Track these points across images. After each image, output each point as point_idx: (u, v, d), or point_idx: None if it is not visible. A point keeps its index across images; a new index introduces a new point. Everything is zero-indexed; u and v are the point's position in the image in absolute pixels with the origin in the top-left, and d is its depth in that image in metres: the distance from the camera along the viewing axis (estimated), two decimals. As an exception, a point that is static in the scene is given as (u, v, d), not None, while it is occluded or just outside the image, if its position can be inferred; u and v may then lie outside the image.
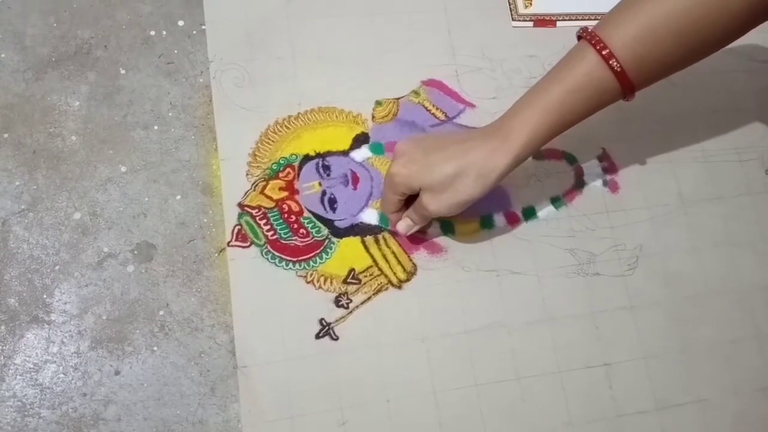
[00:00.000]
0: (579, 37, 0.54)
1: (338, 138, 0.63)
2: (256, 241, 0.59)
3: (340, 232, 0.60)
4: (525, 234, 0.63)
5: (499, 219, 0.63)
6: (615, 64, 0.51)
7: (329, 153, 0.63)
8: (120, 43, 0.63)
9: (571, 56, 0.54)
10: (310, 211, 0.61)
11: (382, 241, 0.61)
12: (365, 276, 0.59)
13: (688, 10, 0.50)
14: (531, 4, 0.71)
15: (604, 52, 0.51)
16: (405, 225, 0.59)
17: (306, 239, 0.60)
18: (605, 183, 0.66)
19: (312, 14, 0.67)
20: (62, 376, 0.54)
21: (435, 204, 0.54)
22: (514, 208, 0.64)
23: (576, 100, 0.53)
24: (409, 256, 0.61)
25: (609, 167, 0.67)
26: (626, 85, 0.52)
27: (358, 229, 0.61)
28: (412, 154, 0.55)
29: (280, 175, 0.61)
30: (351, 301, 0.58)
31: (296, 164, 0.62)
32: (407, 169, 0.54)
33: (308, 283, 0.58)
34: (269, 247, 0.59)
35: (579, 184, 0.66)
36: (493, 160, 0.53)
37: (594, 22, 0.60)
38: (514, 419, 0.58)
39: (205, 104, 0.63)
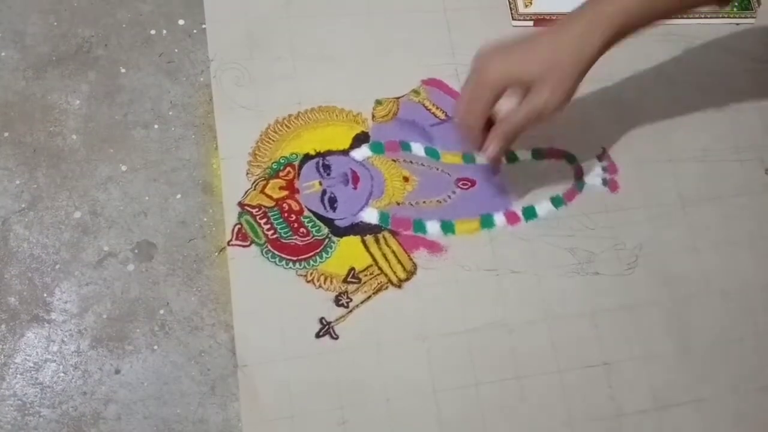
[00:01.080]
0: None
1: (338, 137, 0.63)
2: (256, 240, 0.59)
3: (340, 231, 0.60)
4: (525, 233, 0.63)
5: (499, 218, 0.63)
6: None
7: (329, 152, 0.63)
8: (120, 42, 0.63)
9: None
10: (310, 210, 0.61)
11: (382, 241, 0.61)
12: (365, 275, 0.59)
13: None
14: (531, 3, 0.71)
15: None
16: (494, 148, 0.53)
17: (306, 238, 0.60)
18: (605, 182, 0.66)
19: (312, 13, 0.67)
20: (62, 374, 0.54)
21: (551, 96, 0.50)
22: (514, 207, 0.64)
23: None
24: (409, 256, 0.61)
25: (609, 167, 0.67)
26: None
27: (359, 228, 0.61)
28: (502, 51, 0.51)
29: (281, 174, 0.61)
30: (351, 300, 0.59)
31: (296, 163, 0.62)
32: (502, 63, 0.51)
33: (308, 282, 0.58)
34: (269, 246, 0.59)
35: (579, 183, 0.66)
36: (587, 40, 0.50)
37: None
38: (514, 418, 0.58)
39: (205, 103, 0.63)
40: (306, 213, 0.60)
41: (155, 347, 0.56)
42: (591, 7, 0.52)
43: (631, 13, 0.51)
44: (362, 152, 0.63)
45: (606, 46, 0.51)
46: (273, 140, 0.62)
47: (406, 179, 0.63)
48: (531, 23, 0.70)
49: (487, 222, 0.63)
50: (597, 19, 0.51)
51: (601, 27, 0.51)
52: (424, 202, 0.62)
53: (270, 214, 0.60)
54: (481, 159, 0.64)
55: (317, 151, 0.63)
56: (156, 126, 0.61)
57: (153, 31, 0.64)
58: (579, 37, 0.51)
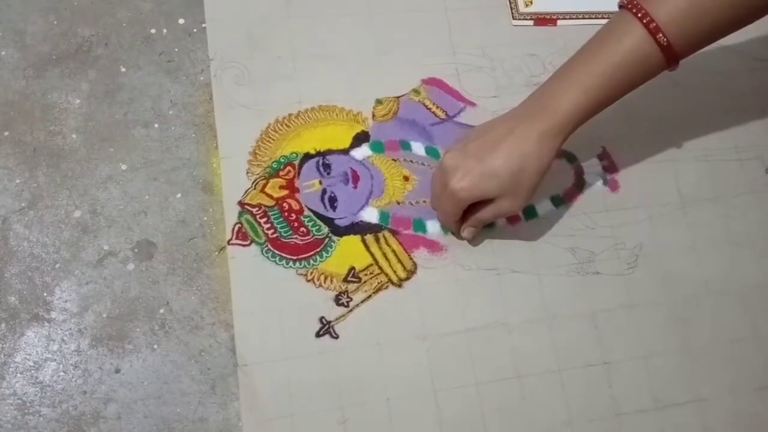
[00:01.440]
0: (620, 6, 0.53)
1: (338, 136, 0.63)
2: (256, 239, 0.59)
3: (340, 231, 0.60)
4: (525, 233, 0.63)
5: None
6: (662, 38, 0.50)
7: (329, 151, 0.63)
8: (120, 41, 0.63)
9: (614, 28, 0.53)
10: (310, 210, 0.61)
11: (382, 240, 0.61)
12: (365, 274, 0.59)
13: None
14: (531, 2, 0.71)
15: (651, 26, 0.50)
16: (470, 232, 0.59)
17: (306, 238, 0.60)
18: (605, 182, 0.66)
19: (312, 13, 0.67)
20: (62, 374, 0.54)
21: (511, 204, 0.55)
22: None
23: (621, 75, 0.52)
24: (409, 255, 0.61)
25: (609, 166, 0.67)
26: (671, 57, 0.52)
27: (359, 228, 0.61)
28: (466, 166, 0.54)
29: (281, 173, 0.61)
30: (351, 299, 0.59)
31: (296, 162, 0.62)
32: (467, 182, 0.54)
33: (308, 281, 0.58)
34: (269, 246, 0.59)
35: (579, 183, 0.66)
36: (545, 144, 0.53)
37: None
38: (514, 418, 0.58)
39: (205, 102, 0.63)
40: (306, 212, 0.60)
41: (155, 346, 0.56)
42: (541, 106, 0.54)
43: (579, 112, 0.53)
44: (362, 151, 0.63)
45: (562, 144, 0.54)
46: (273, 139, 0.62)
47: (406, 178, 0.63)
48: (531, 22, 0.70)
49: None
50: (553, 123, 0.53)
51: (554, 134, 0.53)
52: (424, 201, 0.62)
53: (270, 213, 0.60)
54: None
55: (317, 150, 0.62)
56: (156, 125, 0.61)
57: (153, 30, 0.64)
58: (537, 146, 0.53)
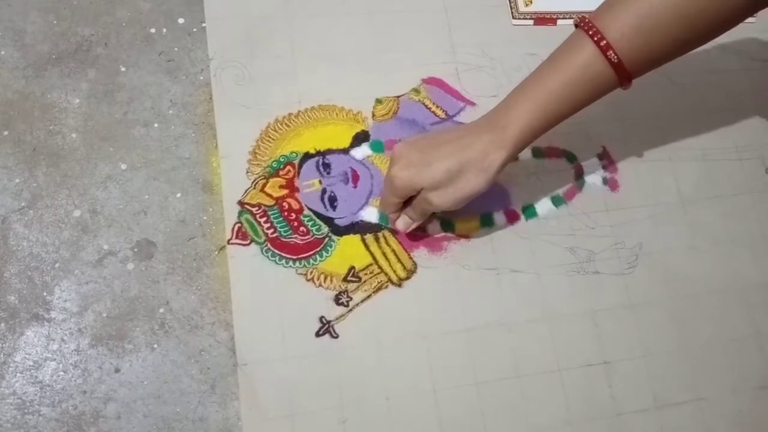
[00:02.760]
0: (576, 25, 0.53)
1: (338, 136, 0.63)
2: (256, 239, 0.59)
3: (340, 230, 0.60)
4: (525, 232, 0.63)
5: (499, 217, 0.63)
6: (612, 55, 0.51)
7: (329, 151, 0.63)
8: (120, 40, 0.63)
9: (567, 46, 0.53)
10: (310, 209, 0.61)
11: (382, 239, 0.61)
12: (365, 274, 0.59)
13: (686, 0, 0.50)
14: (531, 2, 0.71)
15: (601, 44, 0.51)
16: (404, 222, 0.59)
17: (306, 237, 0.60)
18: (605, 181, 0.66)
19: (312, 12, 0.67)
20: (62, 373, 0.54)
21: (438, 199, 0.54)
22: (514, 206, 0.64)
23: (572, 91, 0.53)
24: (409, 255, 0.61)
25: (609, 165, 0.67)
26: (623, 75, 0.52)
27: (359, 227, 0.61)
28: (409, 157, 0.55)
29: (281, 173, 0.61)
30: (351, 299, 0.59)
31: (296, 162, 0.62)
32: (407, 172, 0.54)
33: (308, 281, 0.58)
34: (269, 245, 0.59)
35: (579, 182, 0.66)
36: (491, 154, 0.53)
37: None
38: (514, 417, 0.58)
39: (205, 102, 0.62)
40: (306, 212, 0.60)
41: (155, 346, 0.55)
42: (494, 119, 0.54)
43: (531, 127, 0.53)
44: (362, 151, 0.63)
45: (508, 161, 0.54)
46: (273, 139, 0.62)
47: (406, 178, 0.63)
48: (531, 22, 0.70)
49: (487, 221, 0.63)
50: (501, 136, 0.53)
51: (504, 145, 0.53)
52: (424, 200, 0.62)
53: (270, 212, 0.60)
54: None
55: (317, 149, 0.62)
56: (156, 124, 0.61)
57: (153, 30, 0.64)
58: (482, 154, 0.53)
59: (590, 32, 0.51)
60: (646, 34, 0.51)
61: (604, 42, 0.51)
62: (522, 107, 0.53)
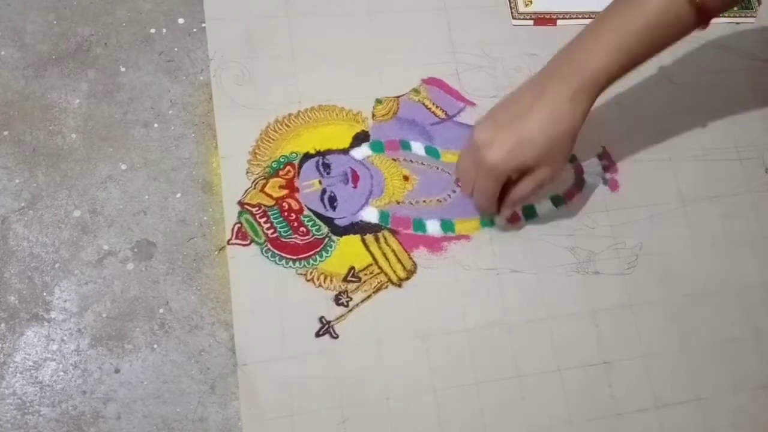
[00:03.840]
0: None
1: (338, 136, 0.63)
2: (256, 239, 0.59)
3: (340, 231, 0.60)
4: (525, 232, 0.63)
5: (499, 217, 0.63)
6: None
7: (329, 151, 0.63)
8: (120, 40, 0.63)
9: None
10: (310, 210, 0.60)
11: (382, 240, 0.61)
12: (365, 274, 0.59)
13: None
14: (531, 2, 0.71)
15: None
16: (508, 212, 0.58)
17: (306, 237, 0.60)
18: (605, 181, 0.66)
19: (312, 12, 0.67)
20: (62, 373, 0.54)
21: (554, 170, 0.53)
22: (514, 206, 0.64)
23: (653, 34, 0.51)
24: (409, 255, 0.60)
25: (609, 166, 0.67)
26: (704, 16, 0.51)
27: (358, 228, 0.61)
28: (499, 137, 0.52)
29: (281, 173, 0.61)
30: (351, 299, 0.58)
31: (296, 162, 0.62)
32: (506, 153, 0.52)
33: (308, 281, 0.58)
34: (269, 245, 0.59)
35: (579, 182, 0.66)
36: (578, 105, 0.52)
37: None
38: (514, 417, 0.58)
39: (205, 102, 0.62)
40: (306, 212, 0.60)
41: (155, 346, 0.55)
42: (570, 66, 0.52)
43: (611, 71, 0.52)
44: (362, 151, 0.63)
45: (590, 108, 0.53)
46: (273, 139, 0.62)
47: (406, 178, 0.63)
48: (531, 22, 0.70)
49: (487, 221, 0.63)
50: (583, 83, 0.52)
51: (587, 93, 0.52)
52: (424, 201, 0.62)
53: (270, 213, 0.60)
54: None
55: (317, 150, 0.62)
56: (156, 125, 0.61)
57: (153, 30, 0.64)
58: (570, 106, 0.52)
59: None
60: None
61: None
62: (601, 51, 0.51)
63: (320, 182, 0.61)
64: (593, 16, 0.70)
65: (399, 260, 0.60)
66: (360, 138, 0.64)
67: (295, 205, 0.60)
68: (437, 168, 0.64)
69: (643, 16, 0.51)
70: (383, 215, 0.61)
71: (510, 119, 0.53)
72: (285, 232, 0.59)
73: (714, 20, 0.73)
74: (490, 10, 0.70)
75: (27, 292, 0.56)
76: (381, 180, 0.62)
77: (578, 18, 0.71)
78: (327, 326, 0.58)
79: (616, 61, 0.51)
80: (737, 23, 0.74)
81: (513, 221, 0.63)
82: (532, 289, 0.61)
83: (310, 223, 0.60)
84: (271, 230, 0.59)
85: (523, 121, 0.52)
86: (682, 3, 0.50)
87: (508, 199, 0.57)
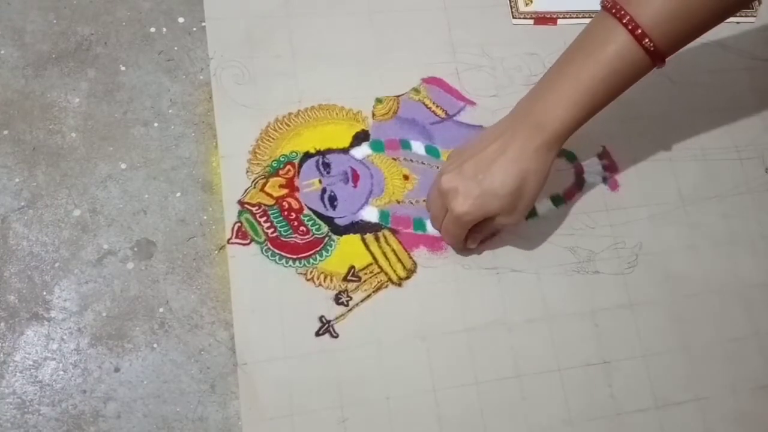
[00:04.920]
0: (603, 8, 0.51)
1: (338, 135, 0.63)
2: (256, 238, 0.59)
3: (340, 230, 0.60)
4: (525, 232, 0.63)
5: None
6: (648, 43, 0.49)
7: (329, 150, 0.63)
8: (120, 39, 0.63)
9: (597, 34, 0.52)
10: (310, 209, 0.60)
11: (382, 239, 0.61)
12: (365, 273, 0.59)
13: None
14: (531, 2, 0.71)
15: (636, 33, 0.49)
16: (473, 241, 0.60)
17: (306, 237, 0.60)
18: (605, 181, 0.66)
19: (312, 12, 0.67)
20: (62, 373, 0.54)
21: (512, 218, 0.55)
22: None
23: (608, 82, 0.51)
24: (409, 254, 0.60)
25: (609, 165, 0.67)
26: (658, 59, 0.51)
27: (358, 227, 0.61)
28: (465, 188, 0.54)
29: (281, 172, 0.61)
30: (351, 298, 0.58)
31: (296, 162, 0.62)
32: (471, 205, 0.54)
33: (308, 280, 0.58)
34: (269, 245, 0.59)
35: (579, 182, 0.66)
36: (542, 159, 0.53)
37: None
38: (514, 417, 0.58)
39: (205, 101, 0.62)
40: (306, 211, 0.60)
41: (155, 345, 0.55)
42: (532, 121, 0.53)
43: (571, 124, 0.53)
44: (362, 150, 0.63)
45: (555, 157, 0.54)
46: (273, 138, 0.62)
47: (406, 177, 0.63)
48: (531, 21, 0.70)
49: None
50: (546, 138, 0.53)
51: (549, 147, 0.53)
52: (424, 200, 0.62)
53: (270, 212, 0.60)
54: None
55: (317, 149, 0.62)
56: (156, 124, 0.61)
57: (153, 29, 0.64)
58: (534, 162, 0.53)
59: (623, 20, 0.49)
60: (678, 17, 0.49)
61: (639, 31, 0.49)
62: (560, 106, 0.52)
63: (320, 181, 0.61)
64: (593, 16, 0.71)
65: (399, 259, 0.60)
66: (360, 137, 0.64)
67: (295, 205, 0.60)
68: (437, 167, 0.64)
69: (597, 67, 0.51)
70: (383, 214, 0.61)
71: (475, 171, 0.54)
72: (285, 231, 0.59)
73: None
74: (490, 10, 0.70)
75: (27, 291, 0.56)
76: (381, 179, 0.62)
77: (578, 17, 0.71)
78: (327, 326, 0.58)
79: (574, 115, 0.52)
80: (737, 23, 0.74)
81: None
82: (532, 288, 0.61)
83: (310, 223, 0.60)
84: (271, 229, 0.59)
85: (487, 174, 0.53)
86: (635, 49, 0.50)
87: (471, 237, 0.59)
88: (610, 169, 0.67)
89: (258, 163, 0.61)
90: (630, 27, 0.49)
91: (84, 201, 0.58)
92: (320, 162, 0.62)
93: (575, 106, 0.52)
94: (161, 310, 0.56)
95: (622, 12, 0.50)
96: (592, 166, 0.66)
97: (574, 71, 0.52)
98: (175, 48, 0.64)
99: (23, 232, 0.57)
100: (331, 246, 0.60)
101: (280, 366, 0.56)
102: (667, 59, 0.52)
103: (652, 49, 0.50)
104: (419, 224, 0.61)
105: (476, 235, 0.59)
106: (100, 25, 0.63)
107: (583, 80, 0.51)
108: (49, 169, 0.59)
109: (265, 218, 0.59)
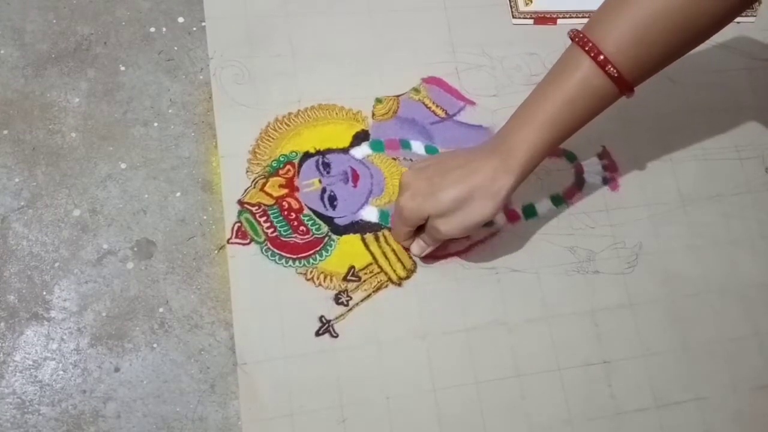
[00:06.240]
0: (571, 39, 0.52)
1: (338, 135, 0.63)
2: (256, 238, 0.59)
3: (340, 230, 0.60)
4: (525, 232, 0.63)
5: (499, 217, 0.63)
6: (611, 69, 0.50)
7: (329, 150, 0.63)
8: (120, 39, 0.63)
9: (564, 63, 0.52)
10: (310, 209, 0.60)
11: (382, 239, 0.61)
12: (365, 273, 0.59)
13: (679, 6, 0.48)
14: (531, 1, 0.71)
15: (599, 59, 0.50)
16: (418, 247, 0.58)
17: (306, 236, 0.60)
18: (605, 181, 0.66)
19: (312, 11, 0.67)
20: (62, 373, 0.54)
21: (446, 226, 0.54)
22: (513, 205, 0.64)
23: (574, 109, 0.52)
24: (409, 254, 0.60)
25: (609, 165, 0.67)
26: (624, 86, 0.51)
27: (358, 227, 0.61)
28: (416, 186, 0.55)
29: (280, 172, 0.61)
30: (351, 298, 0.58)
31: (296, 161, 0.62)
32: (414, 202, 0.54)
33: (308, 280, 0.58)
34: (269, 245, 0.59)
35: (579, 182, 0.66)
36: (497, 181, 0.52)
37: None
38: (514, 417, 0.58)
39: (205, 101, 0.62)
40: (306, 211, 0.60)
41: (155, 345, 0.55)
42: (500, 144, 0.54)
43: (540, 147, 0.53)
44: (362, 150, 0.63)
45: (516, 186, 0.54)
46: (273, 138, 0.62)
47: (406, 177, 0.63)
48: (531, 21, 0.70)
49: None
50: (507, 161, 0.53)
51: (512, 169, 0.53)
52: (424, 200, 0.62)
53: (270, 212, 0.60)
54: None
55: (317, 149, 0.62)
56: (155, 124, 0.61)
57: (152, 29, 0.64)
58: (490, 180, 0.52)
59: (586, 48, 0.50)
60: (642, 44, 0.49)
61: (602, 57, 0.49)
62: (525, 130, 0.52)
63: (320, 181, 0.61)
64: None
65: (399, 259, 0.60)
66: (360, 137, 0.64)
67: (295, 204, 0.60)
68: (437, 167, 0.64)
69: (561, 93, 0.51)
70: (383, 214, 0.61)
71: (431, 175, 0.55)
72: (285, 231, 0.59)
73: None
74: (490, 9, 0.70)
75: (27, 291, 0.56)
76: (381, 179, 0.62)
77: (578, 17, 0.71)
78: (327, 325, 0.58)
79: (539, 139, 0.52)
80: (737, 23, 0.74)
81: (513, 220, 0.63)
82: (532, 288, 0.61)
83: (310, 223, 0.60)
84: (271, 229, 0.59)
85: (441, 179, 0.54)
86: (599, 75, 0.50)
87: (417, 243, 0.59)
88: (610, 169, 0.67)
89: (258, 163, 0.61)
90: (593, 54, 0.50)
91: (84, 201, 0.58)
92: (320, 162, 0.62)
93: (539, 132, 0.52)
94: (161, 310, 0.56)
95: (585, 39, 0.50)
96: (592, 166, 0.66)
97: (542, 97, 0.53)
98: (175, 48, 0.64)
99: (23, 232, 0.57)
100: (330, 246, 0.60)
101: (279, 366, 0.56)
102: (636, 88, 0.52)
103: (615, 75, 0.50)
104: (419, 224, 0.61)
105: (424, 239, 0.58)
106: (99, 24, 0.63)
107: (548, 108, 0.52)
108: (48, 169, 0.59)
109: (264, 218, 0.59)
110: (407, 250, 0.60)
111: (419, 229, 0.58)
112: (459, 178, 0.53)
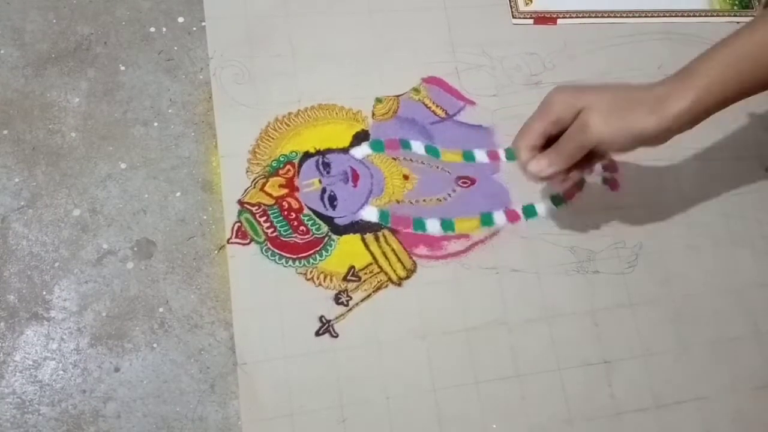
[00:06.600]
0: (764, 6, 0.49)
1: (338, 135, 0.63)
2: (255, 238, 0.59)
3: (340, 230, 0.60)
4: (525, 231, 0.63)
5: (499, 216, 0.63)
6: None
7: (329, 150, 0.63)
8: (120, 39, 0.63)
9: (755, 21, 0.50)
10: (310, 209, 0.60)
11: (382, 239, 0.61)
12: (365, 273, 0.59)
13: None
14: (531, 1, 0.71)
15: None
16: (538, 165, 0.51)
17: (306, 236, 0.60)
18: (605, 181, 0.66)
19: (312, 11, 0.67)
20: (62, 372, 0.54)
21: (602, 125, 0.48)
22: (514, 205, 0.64)
23: (755, 65, 0.48)
24: (409, 254, 0.60)
25: (609, 165, 0.67)
26: None
27: (358, 227, 0.61)
28: (570, 88, 0.50)
29: (280, 172, 0.61)
30: (351, 298, 0.58)
31: (296, 161, 0.62)
32: (566, 93, 0.50)
33: (308, 280, 0.58)
34: (269, 245, 0.59)
35: (579, 182, 0.66)
36: (670, 97, 0.48)
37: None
38: (514, 417, 0.58)
39: (205, 101, 0.62)
40: (306, 211, 0.60)
41: (155, 345, 0.55)
42: (679, 73, 0.50)
43: (724, 83, 0.49)
44: (362, 150, 0.63)
45: (690, 117, 0.49)
46: (273, 138, 0.62)
47: (406, 177, 0.63)
48: (531, 21, 0.70)
49: (487, 220, 0.63)
50: (682, 86, 0.49)
51: (684, 96, 0.49)
52: (424, 200, 0.62)
53: (270, 212, 0.60)
54: (482, 158, 0.64)
55: (317, 149, 0.62)
56: (155, 124, 0.61)
57: (152, 29, 0.64)
58: (664, 93, 0.49)
59: None
60: None
61: None
62: (715, 59, 0.49)
63: (320, 181, 0.61)
64: (594, 15, 0.71)
65: (399, 259, 0.60)
66: (360, 137, 0.64)
67: (295, 204, 0.60)
68: (437, 167, 0.64)
69: (760, 35, 0.49)
70: (383, 214, 0.61)
71: (589, 85, 0.50)
72: (285, 231, 0.59)
73: (714, 19, 0.74)
74: (490, 9, 0.70)
75: (26, 291, 0.56)
76: (381, 179, 0.62)
77: (578, 17, 0.71)
78: (327, 325, 0.58)
79: (728, 74, 0.49)
80: (737, 23, 0.74)
81: (513, 220, 0.63)
82: (532, 288, 0.61)
83: (309, 222, 0.60)
84: (271, 229, 0.59)
85: (602, 86, 0.50)
86: None
87: (541, 154, 0.52)
88: (610, 169, 0.67)
89: (258, 163, 0.61)
90: None
91: (84, 201, 0.58)
92: (320, 162, 0.62)
93: (729, 65, 0.48)
94: (161, 309, 0.56)
95: None
96: (592, 166, 0.66)
97: (737, 38, 0.49)
98: (175, 48, 0.64)
99: (23, 232, 0.57)
100: (330, 246, 0.60)
101: (279, 366, 0.56)
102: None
103: None
104: (419, 224, 0.61)
105: (552, 155, 0.51)
106: (99, 24, 0.63)
107: (744, 45, 0.49)
108: (48, 169, 0.59)
109: (264, 218, 0.59)
110: (523, 170, 0.53)
111: (544, 148, 0.51)
112: (623, 87, 0.49)
